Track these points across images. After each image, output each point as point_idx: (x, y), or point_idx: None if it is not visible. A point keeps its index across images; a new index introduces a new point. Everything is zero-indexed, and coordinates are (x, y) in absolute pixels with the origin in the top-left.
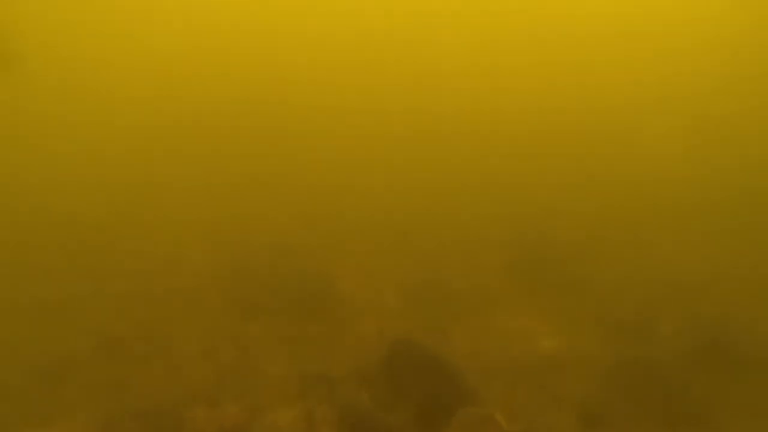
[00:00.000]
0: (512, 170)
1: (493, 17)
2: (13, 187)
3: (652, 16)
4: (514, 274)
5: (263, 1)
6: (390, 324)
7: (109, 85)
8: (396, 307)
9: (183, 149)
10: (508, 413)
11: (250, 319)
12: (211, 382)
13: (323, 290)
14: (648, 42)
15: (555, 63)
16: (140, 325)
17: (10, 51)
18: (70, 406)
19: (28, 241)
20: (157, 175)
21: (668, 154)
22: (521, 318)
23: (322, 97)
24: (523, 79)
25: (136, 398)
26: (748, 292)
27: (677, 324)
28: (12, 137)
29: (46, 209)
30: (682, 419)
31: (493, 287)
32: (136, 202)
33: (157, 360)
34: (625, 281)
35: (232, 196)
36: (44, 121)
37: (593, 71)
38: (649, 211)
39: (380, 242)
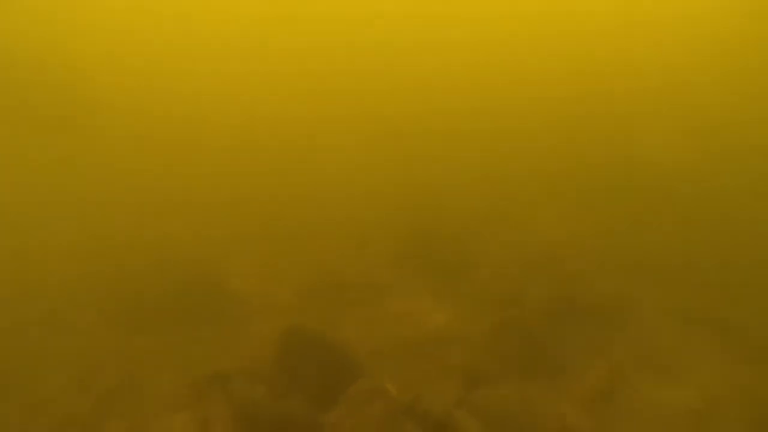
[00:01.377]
0: (398, 165)
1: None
2: None
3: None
4: (403, 262)
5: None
6: (283, 320)
7: None
8: (289, 304)
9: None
10: (398, 385)
11: (135, 332)
12: (89, 408)
13: (214, 294)
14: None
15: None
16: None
17: None
18: None
19: None
20: (21, 187)
21: (542, 137)
22: (411, 301)
23: (203, 105)
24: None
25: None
26: (594, 261)
27: (540, 291)
28: None
29: None
30: (544, 368)
31: (384, 276)
32: None
33: (27, 391)
34: (503, 259)
35: (109, 204)
36: None
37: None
38: (522, 193)
39: (271, 243)
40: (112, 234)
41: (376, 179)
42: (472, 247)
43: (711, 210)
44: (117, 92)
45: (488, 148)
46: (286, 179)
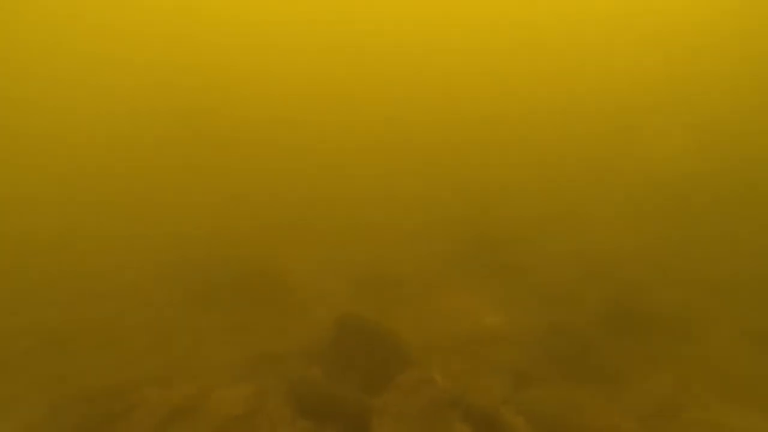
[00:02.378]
0: (458, 166)
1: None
2: None
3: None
4: (459, 261)
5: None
6: (338, 308)
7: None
8: (344, 294)
9: (132, 150)
10: (446, 377)
11: (200, 311)
12: (162, 366)
13: (272, 282)
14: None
15: (506, 67)
16: (88, 322)
17: None
18: (13, 396)
19: None
20: (105, 175)
21: (598, 145)
22: (464, 299)
23: (265, 106)
24: (467, 74)
25: (84, 386)
26: (653, 270)
27: (595, 296)
28: None
29: None
30: (597, 374)
31: (437, 273)
32: (83, 206)
33: (108, 351)
34: (558, 263)
35: (182, 197)
36: None
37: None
38: (581, 197)
39: (328, 234)
40: (185, 226)
41: (436, 179)
42: (528, 249)
43: None
44: (191, 93)
45: (548, 152)
46: (345, 176)
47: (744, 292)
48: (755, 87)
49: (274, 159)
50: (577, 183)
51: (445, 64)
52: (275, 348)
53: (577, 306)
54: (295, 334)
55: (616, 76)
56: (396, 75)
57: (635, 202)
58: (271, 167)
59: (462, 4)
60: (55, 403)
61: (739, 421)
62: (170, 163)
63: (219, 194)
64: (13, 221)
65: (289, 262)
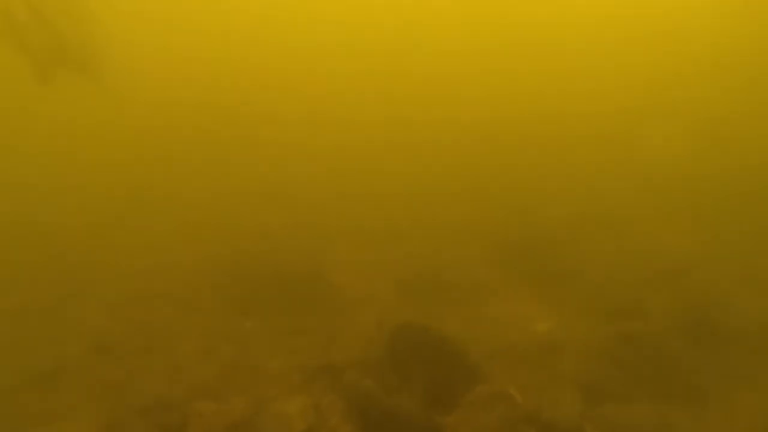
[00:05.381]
0: (500, 166)
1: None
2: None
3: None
4: (503, 265)
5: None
6: (387, 314)
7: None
8: (390, 299)
9: (173, 154)
10: (519, 391)
11: (246, 316)
12: (214, 377)
13: (317, 284)
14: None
15: (543, 67)
16: (135, 326)
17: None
18: (70, 405)
19: (19, 244)
20: (149, 179)
21: (654, 145)
22: (514, 305)
23: (307, 105)
24: (508, 80)
25: (137, 395)
26: (729, 274)
27: (666, 303)
28: None
29: (36, 211)
30: (680, 391)
31: (483, 278)
32: (127, 206)
33: (156, 358)
34: (614, 266)
35: (222, 197)
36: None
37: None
38: (636, 200)
39: (370, 238)
40: (223, 224)
41: (481, 180)
42: (574, 252)
43: None
44: (229, 91)
45: (598, 150)
46: (384, 176)
47: None
48: None
49: (316, 158)
50: (617, 183)
51: (485, 63)
52: (326, 357)
53: (642, 314)
54: (345, 341)
55: (650, 74)
56: (437, 72)
57: (683, 203)
58: (312, 167)
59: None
60: (111, 417)
61: None
62: (210, 165)
63: (258, 195)
64: (50, 216)
65: (331, 264)
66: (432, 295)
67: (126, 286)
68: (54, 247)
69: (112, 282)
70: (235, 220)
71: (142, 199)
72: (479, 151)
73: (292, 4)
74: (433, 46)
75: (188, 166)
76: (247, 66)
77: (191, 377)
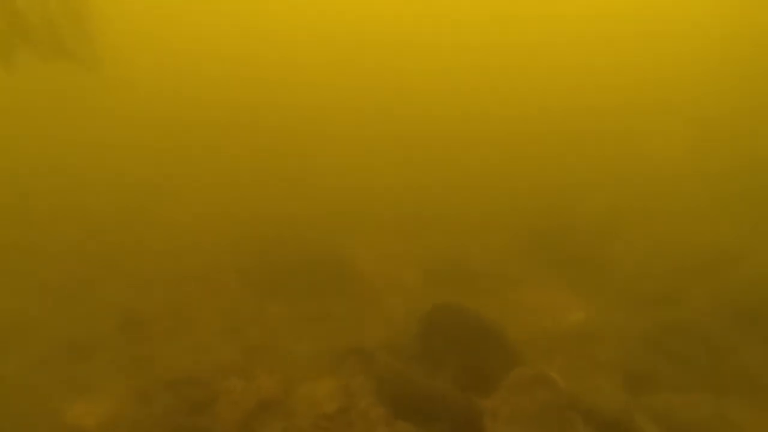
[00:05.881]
0: (530, 158)
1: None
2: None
3: (654, 16)
4: (533, 255)
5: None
6: (416, 302)
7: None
8: (419, 287)
9: (199, 139)
10: (560, 375)
11: (271, 299)
12: (241, 356)
13: (344, 272)
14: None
15: (565, 65)
16: (162, 304)
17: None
18: (101, 377)
19: (52, 221)
20: (177, 163)
21: (688, 138)
22: (547, 295)
23: (333, 95)
24: (532, 77)
25: (166, 370)
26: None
27: (711, 292)
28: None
29: (67, 192)
30: (734, 383)
31: (514, 268)
32: (155, 189)
33: (184, 336)
34: (651, 257)
35: (249, 182)
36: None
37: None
38: (671, 193)
39: (397, 225)
40: (253, 209)
41: (510, 172)
42: (605, 241)
43: None
44: (260, 83)
45: (629, 144)
46: (413, 164)
47: None
48: None
49: (343, 147)
50: (649, 176)
51: (515, 59)
52: (355, 340)
53: (686, 303)
54: (374, 327)
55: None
56: (471, 65)
57: (719, 197)
58: (339, 154)
59: None
60: (141, 390)
61: None
62: (239, 150)
63: (287, 181)
64: (77, 197)
65: (358, 252)
66: (461, 284)
67: (156, 267)
68: (90, 229)
69: (143, 263)
70: (263, 208)
71: (172, 186)
72: (509, 144)
73: None
74: (467, 41)
75: (219, 154)
76: (269, 56)
77: (218, 356)
